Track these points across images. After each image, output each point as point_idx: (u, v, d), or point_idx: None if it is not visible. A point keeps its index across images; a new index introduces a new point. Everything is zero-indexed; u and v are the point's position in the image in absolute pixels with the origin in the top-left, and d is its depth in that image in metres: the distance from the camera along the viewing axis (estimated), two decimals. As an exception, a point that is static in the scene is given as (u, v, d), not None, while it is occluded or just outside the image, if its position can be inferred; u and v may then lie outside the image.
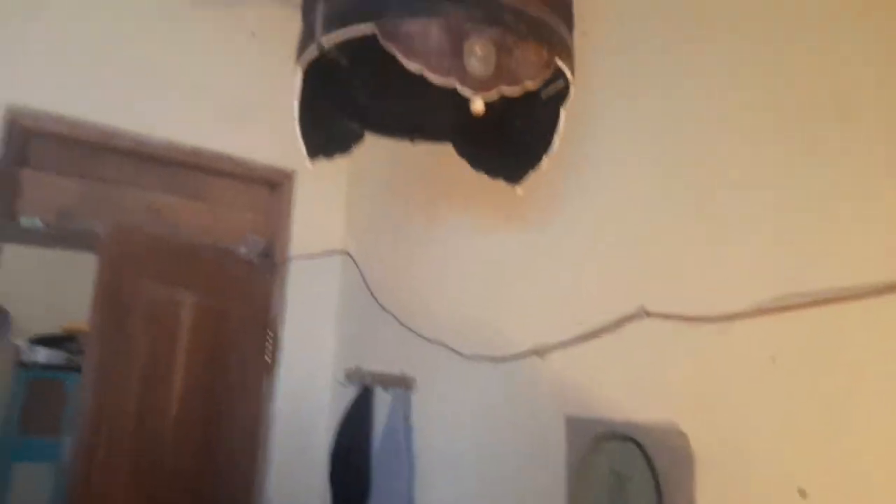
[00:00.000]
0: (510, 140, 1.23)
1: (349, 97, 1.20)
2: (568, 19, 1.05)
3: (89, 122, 2.16)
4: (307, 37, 0.98)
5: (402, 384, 2.09)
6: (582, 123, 1.52)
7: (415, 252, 2.24)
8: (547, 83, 1.05)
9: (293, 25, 1.10)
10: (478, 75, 0.89)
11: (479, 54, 0.89)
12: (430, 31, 0.89)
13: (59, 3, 2.19)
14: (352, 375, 2.39)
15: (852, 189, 1.03)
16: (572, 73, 1.06)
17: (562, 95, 1.12)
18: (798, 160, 1.12)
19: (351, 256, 2.60)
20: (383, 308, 2.29)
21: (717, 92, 1.29)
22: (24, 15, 2.12)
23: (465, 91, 0.89)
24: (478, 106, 0.89)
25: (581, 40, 1.45)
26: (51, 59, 2.14)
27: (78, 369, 2.59)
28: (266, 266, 2.52)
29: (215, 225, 2.50)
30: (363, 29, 0.91)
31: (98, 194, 2.28)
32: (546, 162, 1.18)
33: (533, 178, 1.22)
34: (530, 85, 0.94)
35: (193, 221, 2.45)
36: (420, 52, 0.88)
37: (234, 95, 2.46)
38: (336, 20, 0.93)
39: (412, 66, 0.88)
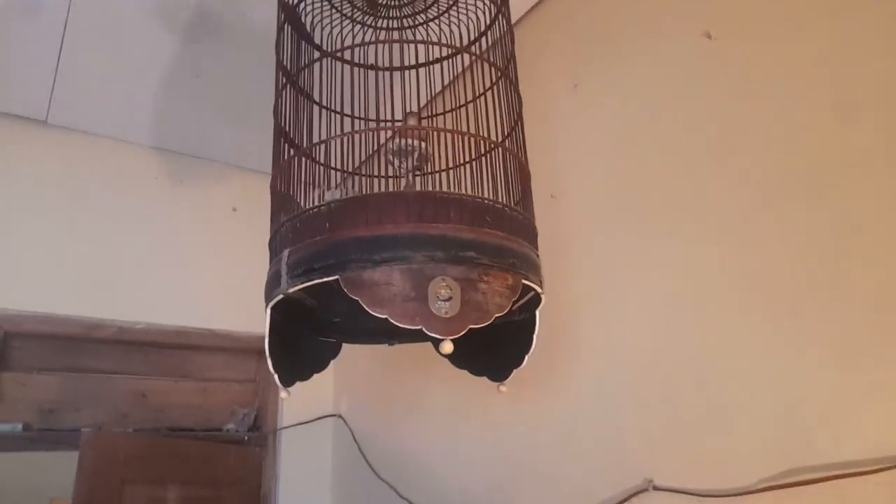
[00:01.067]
0: (490, 340, 1.21)
1: (323, 319, 1.19)
2: (529, 234, 1.07)
3: (70, 318, 2.15)
4: (274, 282, 0.98)
5: (405, 567, 1.97)
6: (570, 290, 1.53)
7: (409, 417, 2.18)
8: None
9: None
10: (444, 317, 0.88)
11: (444, 296, 0.89)
12: (392, 277, 0.89)
13: (31, 205, 2.21)
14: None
15: (858, 363, 1.02)
16: (541, 286, 1.06)
17: (536, 300, 1.12)
18: (789, 330, 1.12)
19: (343, 419, 2.53)
20: (379, 477, 2.20)
21: (707, 258, 1.30)
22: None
23: (432, 334, 0.88)
24: (446, 348, 0.88)
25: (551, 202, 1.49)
26: (27, 259, 2.14)
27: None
28: (256, 440, 2.44)
29: (203, 402, 2.45)
30: (327, 279, 0.91)
31: (81, 387, 2.24)
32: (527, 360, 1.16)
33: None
34: (499, 315, 0.94)
35: (181, 401, 2.41)
36: (384, 300, 0.88)
37: (216, 271, 2.48)
38: (300, 271, 0.93)
39: (378, 313, 0.88)
